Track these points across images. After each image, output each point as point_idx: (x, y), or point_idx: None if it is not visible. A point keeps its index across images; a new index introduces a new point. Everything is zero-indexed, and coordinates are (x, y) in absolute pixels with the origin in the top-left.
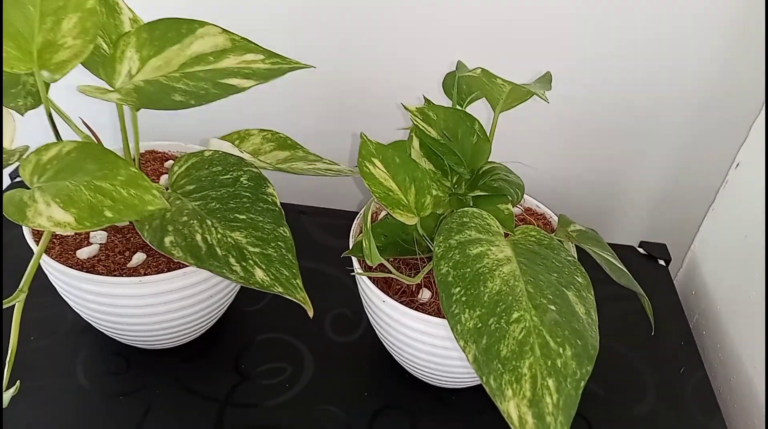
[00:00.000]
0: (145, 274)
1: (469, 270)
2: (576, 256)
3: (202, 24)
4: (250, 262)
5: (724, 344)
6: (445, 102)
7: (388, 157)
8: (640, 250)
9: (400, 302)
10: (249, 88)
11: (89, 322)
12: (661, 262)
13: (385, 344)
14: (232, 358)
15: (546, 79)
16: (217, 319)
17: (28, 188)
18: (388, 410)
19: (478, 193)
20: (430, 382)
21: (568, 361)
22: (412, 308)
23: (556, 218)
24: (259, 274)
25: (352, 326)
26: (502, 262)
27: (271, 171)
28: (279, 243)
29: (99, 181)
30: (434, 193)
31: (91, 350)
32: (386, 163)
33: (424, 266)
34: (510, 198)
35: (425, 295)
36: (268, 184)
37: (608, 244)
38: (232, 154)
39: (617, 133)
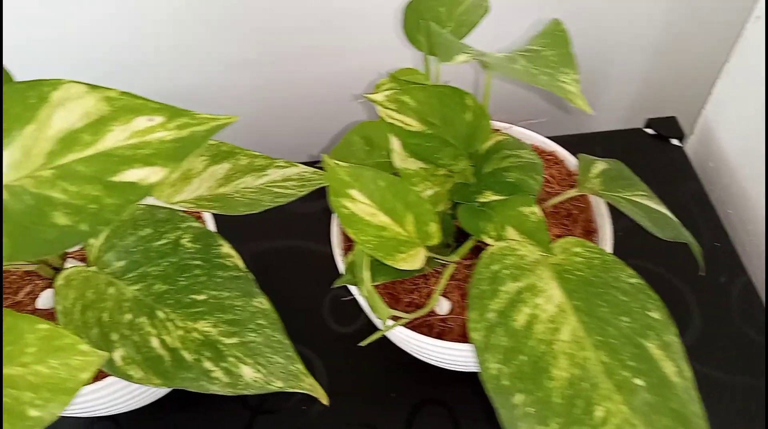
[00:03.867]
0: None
1: (524, 358)
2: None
3: (56, 84)
4: (231, 359)
5: (758, 227)
6: (411, 56)
7: (368, 183)
8: (648, 130)
9: (415, 321)
10: (156, 183)
11: None
12: (675, 142)
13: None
14: None
15: (561, 42)
16: None
17: None
18: (422, 407)
19: (491, 197)
20: (459, 370)
21: None
22: (428, 326)
23: (570, 158)
24: (248, 373)
25: (353, 310)
26: (557, 321)
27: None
28: (259, 321)
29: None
30: (432, 205)
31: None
32: (368, 192)
33: (437, 279)
34: (533, 195)
35: (443, 306)
36: (220, 241)
37: (610, 131)
38: (159, 207)
39: None
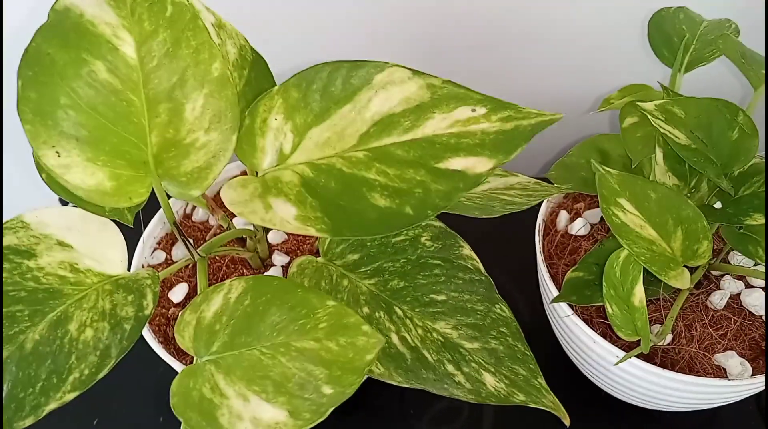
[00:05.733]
0: None
1: None
2: None
3: (381, 66)
4: (473, 365)
5: None
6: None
7: (638, 193)
8: None
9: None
10: (485, 175)
11: None
12: None
13: (581, 370)
14: (395, 398)
15: None
16: None
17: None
18: None
19: (760, 220)
20: (632, 403)
21: None
22: (644, 355)
23: None
24: (490, 381)
25: None
26: None
27: None
28: (501, 329)
29: (298, 341)
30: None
31: None
32: (638, 203)
33: (658, 306)
34: None
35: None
36: (461, 242)
37: None
38: None
39: None
